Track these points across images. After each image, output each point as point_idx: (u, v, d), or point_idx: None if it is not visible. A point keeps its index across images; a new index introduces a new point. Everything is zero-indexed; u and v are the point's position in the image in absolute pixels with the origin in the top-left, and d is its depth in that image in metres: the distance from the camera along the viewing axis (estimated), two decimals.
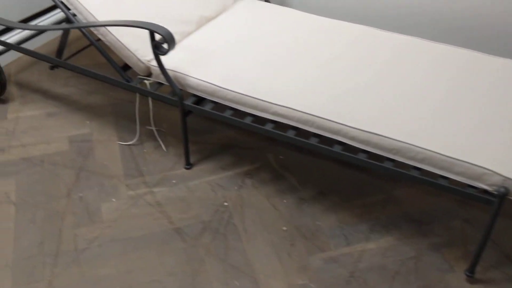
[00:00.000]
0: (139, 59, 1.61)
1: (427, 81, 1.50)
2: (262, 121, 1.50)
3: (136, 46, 1.61)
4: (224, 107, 1.56)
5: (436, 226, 1.54)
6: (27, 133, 1.85)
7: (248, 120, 1.50)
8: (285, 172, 1.72)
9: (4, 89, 1.93)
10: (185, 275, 1.38)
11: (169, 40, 1.43)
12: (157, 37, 1.49)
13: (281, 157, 1.78)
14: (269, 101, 1.44)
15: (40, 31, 2.11)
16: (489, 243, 1.48)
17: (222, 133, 1.89)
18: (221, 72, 1.55)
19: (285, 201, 1.61)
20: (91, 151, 1.79)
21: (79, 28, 1.60)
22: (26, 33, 2.24)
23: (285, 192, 1.64)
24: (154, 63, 1.61)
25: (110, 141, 1.83)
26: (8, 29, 2.01)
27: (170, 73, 1.57)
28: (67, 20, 1.95)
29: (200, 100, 1.60)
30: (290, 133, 1.44)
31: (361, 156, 1.35)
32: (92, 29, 1.61)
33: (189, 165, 1.73)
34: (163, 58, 1.58)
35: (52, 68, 2.10)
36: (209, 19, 1.86)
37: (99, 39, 1.75)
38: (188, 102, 1.57)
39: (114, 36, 1.59)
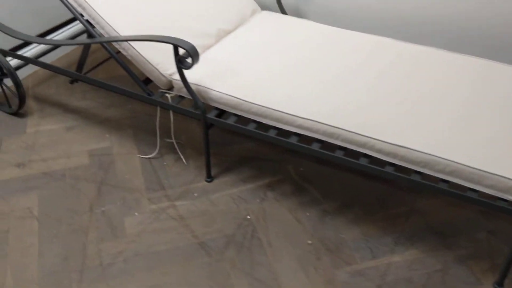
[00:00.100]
0: (161, 73, 1.62)
1: (448, 91, 1.50)
2: (285, 133, 1.50)
3: (158, 60, 1.61)
4: (246, 120, 1.56)
5: (460, 238, 1.53)
6: (47, 147, 1.86)
7: (272, 133, 1.50)
8: (306, 184, 1.71)
9: (23, 103, 1.94)
10: None
11: (193, 54, 1.43)
12: (181, 51, 1.49)
13: (301, 169, 1.78)
14: (294, 114, 1.44)
15: (62, 46, 2.12)
16: None
17: (241, 145, 1.88)
18: (244, 85, 1.55)
19: (308, 214, 1.61)
20: (112, 164, 1.79)
21: (101, 42, 1.61)
22: (44, 47, 2.26)
23: (308, 205, 1.64)
24: (176, 76, 1.61)
25: (130, 154, 1.83)
26: (26, 43, 2.02)
27: (193, 87, 1.57)
28: (88, 34, 1.96)
29: (221, 113, 1.60)
30: (315, 146, 1.44)
31: (389, 169, 1.35)
32: (114, 43, 1.62)
33: (210, 178, 1.72)
34: (185, 72, 1.58)
35: (72, 82, 2.10)
36: (228, 32, 1.86)
37: (118, 52, 1.76)
38: (211, 115, 1.57)
39: (136, 51, 1.59)
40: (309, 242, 1.51)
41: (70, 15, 2.36)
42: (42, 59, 1.98)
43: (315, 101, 1.47)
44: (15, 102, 2.06)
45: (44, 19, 2.27)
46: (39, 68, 2.29)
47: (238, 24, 1.92)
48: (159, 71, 1.61)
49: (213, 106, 1.61)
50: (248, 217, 1.59)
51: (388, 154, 1.33)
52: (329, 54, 1.71)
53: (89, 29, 1.63)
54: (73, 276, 1.40)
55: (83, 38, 2.45)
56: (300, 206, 1.63)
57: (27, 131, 1.93)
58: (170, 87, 1.67)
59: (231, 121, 1.55)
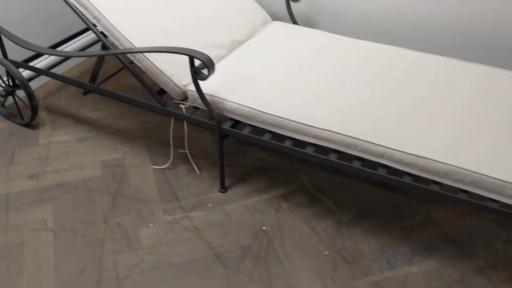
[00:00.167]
0: (175, 84, 1.62)
1: (466, 101, 1.50)
2: (301, 144, 1.50)
3: (173, 71, 1.62)
4: (261, 130, 1.56)
5: (478, 248, 1.52)
6: (60, 159, 1.85)
7: (288, 144, 1.49)
8: (320, 195, 1.71)
9: (36, 114, 1.94)
10: None
11: (209, 65, 1.44)
12: (196, 62, 1.49)
13: (315, 179, 1.77)
14: (310, 124, 1.44)
15: (75, 57, 2.12)
16: None
17: (253, 155, 1.88)
18: (259, 96, 1.55)
19: (323, 224, 1.60)
20: (125, 175, 1.78)
21: (117, 54, 1.61)
22: (55, 58, 2.26)
23: (323, 215, 1.63)
24: (190, 87, 1.62)
25: (143, 165, 1.83)
26: (37, 54, 2.03)
27: (208, 98, 1.57)
28: (102, 46, 1.97)
29: (235, 124, 1.60)
30: (332, 157, 1.43)
31: (407, 180, 1.34)
32: (129, 55, 1.62)
33: (224, 188, 1.72)
34: (200, 83, 1.58)
35: (85, 93, 2.11)
36: (240, 43, 1.87)
37: (131, 63, 1.76)
38: (226, 126, 1.57)
39: (151, 62, 1.60)
40: (326, 253, 1.51)
41: (79, 27, 2.38)
42: (53, 70, 1.98)
43: (331, 112, 1.47)
44: (26, 113, 2.06)
45: (54, 31, 2.28)
46: (50, 79, 2.29)
47: (250, 35, 1.92)
48: (173, 82, 1.62)
49: (227, 117, 1.61)
50: (264, 228, 1.59)
51: (407, 164, 1.33)
52: (343, 64, 1.71)
53: (104, 41, 1.63)
54: None
55: (94, 49, 2.46)
56: (315, 217, 1.63)
57: (39, 142, 1.93)
58: (184, 98, 1.67)
59: (246, 131, 1.55)
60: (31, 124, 2.02)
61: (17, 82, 1.97)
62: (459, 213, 1.64)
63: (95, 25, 1.64)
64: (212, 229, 1.58)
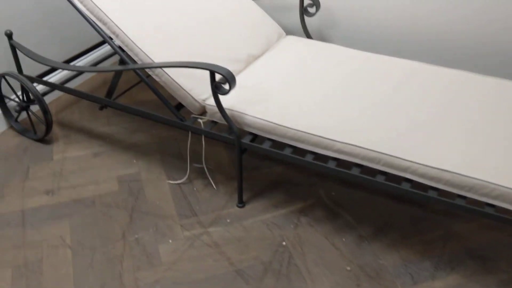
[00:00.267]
0: (194, 99, 1.61)
1: (488, 114, 1.50)
2: (322, 158, 1.49)
3: (191, 85, 1.61)
4: (280, 144, 1.55)
5: (501, 262, 1.51)
6: (75, 174, 1.84)
7: (309, 158, 1.49)
8: (339, 209, 1.70)
9: (50, 129, 1.93)
10: None
11: (231, 79, 1.43)
12: (217, 77, 1.49)
13: (332, 193, 1.76)
14: (332, 138, 1.43)
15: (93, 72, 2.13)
16: None
17: (269, 169, 1.87)
18: (278, 110, 1.55)
19: (344, 239, 1.59)
20: (142, 190, 1.77)
21: (135, 69, 1.61)
22: (68, 72, 2.26)
23: (343, 230, 1.62)
24: (209, 102, 1.61)
25: (159, 180, 1.82)
26: (52, 69, 2.02)
27: (227, 112, 1.57)
28: (120, 61, 1.97)
29: (254, 138, 1.60)
30: (355, 171, 1.42)
31: (432, 194, 1.33)
32: (147, 70, 1.62)
33: (241, 203, 1.71)
34: (220, 97, 1.58)
35: (101, 108, 2.10)
36: (256, 57, 1.87)
37: (147, 76, 1.76)
38: (245, 140, 1.56)
39: (170, 77, 1.59)
40: (348, 268, 1.49)
41: (88, 42, 2.38)
42: (66, 85, 1.98)
43: (353, 126, 1.47)
44: (40, 128, 2.05)
45: (67, 45, 2.28)
46: (63, 93, 2.29)
47: (265, 49, 1.92)
48: (192, 96, 1.61)
49: (245, 131, 1.60)
50: (284, 243, 1.57)
51: (431, 178, 1.32)
52: (360, 78, 1.71)
53: (122, 56, 1.63)
54: None
55: (106, 64, 2.47)
56: (335, 232, 1.61)
57: (54, 158, 1.92)
58: (203, 112, 1.66)
59: (266, 146, 1.54)
60: (44, 139, 2.01)
61: (31, 97, 1.97)
62: (479, 227, 1.62)
63: (111, 38, 1.64)
64: (232, 245, 1.56)
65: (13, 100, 1.98)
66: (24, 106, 1.95)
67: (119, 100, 2.24)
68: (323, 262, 1.51)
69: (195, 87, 1.62)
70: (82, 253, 1.53)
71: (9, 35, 1.83)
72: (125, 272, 1.47)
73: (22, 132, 2.03)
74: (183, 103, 1.64)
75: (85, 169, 1.87)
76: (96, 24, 1.64)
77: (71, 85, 2.31)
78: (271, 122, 1.51)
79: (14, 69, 2.03)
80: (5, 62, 1.99)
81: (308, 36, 2.05)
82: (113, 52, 2.31)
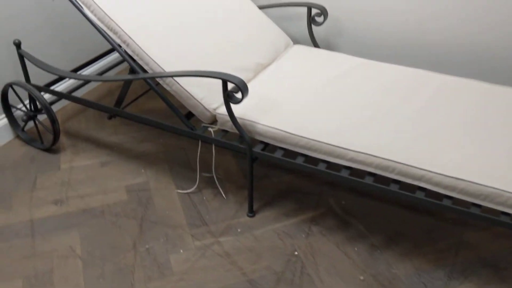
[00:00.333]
0: (205, 108, 1.61)
1: (498, 122, 1.50)
2: (335, 167, 1.49)
3: (202, 94, 1.61)
4: (292, 153, 1.55)
5: None
6: (83, 184, 1.83)
7: (322, 167, 1.48)
8: (350, 218, 1.69)
9: (57, 138, 1.92)
10: None
11: (243, 89, 1.43)
12: (229, 86, 1.49)
13: (343, 202, 1.76)
14: (345, 147, 1.43)
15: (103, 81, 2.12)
16: None
17: (278, 178, 1.87)
18: (289, 119, 1.55)
19: (356, 248, 1.58)
20: (150, 200, 1.76)
21: (146, 78, 1.61)
22: (75, 81, 2.26)
23: (355, 239, 1.61)
24: (220, 111, 1.61)
25: (168, 189, 1.81)
26: (58, 78, 2.02)
27: (239, 121, 1.56)
28: (130, 70, 1.96)
29: (265, 147, 1.59)
30: (368, 180, 1.42)
31: (447, 202, 1.33)
32: (158, 79, 1.61)
33: (252, 212, 1.70)
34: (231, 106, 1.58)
35: (110, 117, 2.10)
36: (264, 66, 1.87)
37: (157, 84, 1.75)
38: (256, 149, 1.56)
39: (181, 86, 1.59)
40: (361, 278, 1.48)
41: (97, 51, 2.38)
42: (72, 94, 1.97)
43: (366, 134, 1.46)
44: (46, 138, 2.04)
45: (73, 54, 2.28)
46: (68, 102, 2.28)
47: (274, 58, 1.93)
48: (203, 105, 1.61)
49: (256, 140, 1.59)
50: (296, 253, 1.56)
51: (446, 187, 1.32)
52: (370, 87, 1.71)
53: (132, 65, 1.63)
54: None
55: (112, 73, 2.46)
56: (347, 241, 1.60)
57: (61, 167, 1.91)
58: (213, 121, 1.66)
59: (278, 154, 1.54)
60: (51, 148, 1.99)
61: (38, 106, 1.96)
62: (491, 235, 1.62)
63: (120, 46, 1.64)
64: (244, 255, 1.55)
65: (20, 109, 1.98)
66: (32, 115, 1.94)
67: (127, 109, 2.23)
68: (336, 271, 1.50)
69: (206, 96, 1.62)
70: (92, 264, 1.51)
71: (18, 45, 1.83)
72: (136, 283, 1.45)
73: (29, 141, 2.01)
74: (193, 112, 1.64)
75: (93, 178, 1.85)
76: (106, 33, 1.63)
77: (77, 94, 2.30)
78: (284, 131, 1.51)
79: (19, 78, 2.03)
80: (11, 72, 1.99)
81: (316, 45, 2.05)
82: (118, 62, 2.31)
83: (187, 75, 1.49)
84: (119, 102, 1.80)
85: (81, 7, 1.63)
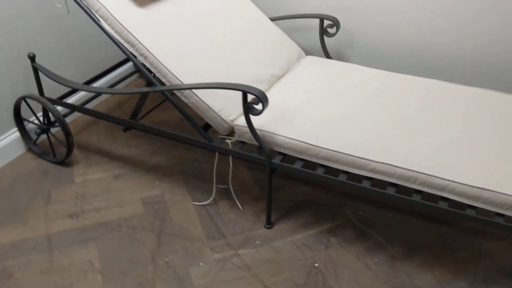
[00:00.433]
0: (223, 119, 1.61)
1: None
2: (356, 177, 1.48)
3: (220, 106, 1.61)
4: (311, 164, 1.55)
5: None
6: (98, 197, 1.81)
7: (342, 178, 1.48)
8: (368, 229, 1.68)
9: (71, 152, 1.90)
10: None
11: (264, 100, 1.43)
12: (249, 97, 1.49)
13: (360, 213, 1.75)
14: (367, 158, 1.43)
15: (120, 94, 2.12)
16: None
17: (294, 189, 1.86)
18: (309, 130, 1.55)
19: (376, 259, 1.57)
20: (167, 212, 1.75)
21: (163, 91, 1.60)
22: (86, 94, 2.25)
23: (374, 250, 1.60)
24: (237, 122, 1.61)
25: (184, 202, 1.80)
26: (72, 91, 2.01)
27: (258, 132, 1.56)
28: (147, 82, 1.96)
29: (283, 158, 1.59)
30: (390, 191, 1.42)
31: (470, 213, 1.33)
32: (176, 91, 1.61)
33: (270, 224, 1.69)
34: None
35: (125, 130, 2.09)
36: (278, 77, 1.87)
37: (172, 94, 1.75)
38: (275, 160, 1.55)
39: (199, 98, 1.59)
40: None
41: (107, 63, 2.38)
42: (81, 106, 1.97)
43: (386, 144, 1.47)
44: (59, 151, 2.03)
45: (84, 66, 2.28)
46: (79, 115, 2.27)
47: (287, 69, 1.93)
48: (221, 117, 1.61)
49: (275, 151, 1.59)
50: (316, 264, 1.55)
51: (470, 197, 1.32)
52: (384, 97, 1.72)
53: (150, 78, 1.62)
54: None
55: (120, 85, 2.46)
56: (366, 252, 1.60)
57: (75, 181, 1.90)
58: (230, 133, 1.66)
59: (297, 166, 1.53)
60: (64, 162, 1.98)
61: (51, 119, 1.95)
62: (510, 244, 1.62)
63: (135, 56, 1.64)
64: (264, 267, 1.54)
65: (32, 122, 1.97)
66: (45, 128, 1.93)
67: (140, 122, 2.22)
68: (358, 283, 1.49)
69: (224, 107, 1.62)
70: (112, 278, 1.50)
71: (32, 58, 1.82)
72: None
73: (41, 154, 2.00)
74: (211, 124, 1.64)
75: (108, 191, 1.84)
76: (123, 45, 1.63)
77: (87, 106, 2.29)
78: (304, 142, 1.51)
79: (29, 91, 2.02)
80: (22, 85, 1.98)
81: (328, 56, 2.06)
82: (127, 74, 2.30)
83: (207, 87, 1.49)
84: (135, 114, 1.80)
85: (99, 20, 1.63)
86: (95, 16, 1.63)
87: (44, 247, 1.60)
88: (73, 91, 2.01)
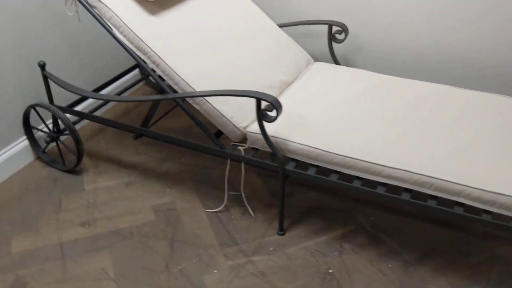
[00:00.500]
0: (235, 126, 1.61)
1: None
2: (370, 183, 1.48)
3: (232, 113, 1.61)
4: (325, 170, 1.55)
5: None
6: (109, 205, 1.81)
7: (357, 184, 1.48)
8: (380, 235, 1.69)
9: (81, 159, 1.90)
10: None
11: (278, 107, 1.44)
12: (263, 104, 1.49)
13: (372, 218, 1.75)
14: (382, 164, 1.43)
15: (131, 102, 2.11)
16: None
17: (304, 196, 1.86)
18: (321, 136, 1.55)
19: (390, 265, 1.57)
20: (179, 220, 1.74)
21: (175, 98, 1.61)
22: (94, 101, 2.25)
23: (387, 256, 1.60)
24: (250, 129, 1.61)
25: (195, 209, 1.79)
26: (81, 99, 2.01)
27: (271, 139, 1.56)
28: (160, 90, 1.96)
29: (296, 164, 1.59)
30: (405, 196, 1.42)
31: (486, 217, 1.33)
32: (188, 99, 1.62)
33: (282, 230, 1.69)
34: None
35: (136, 137, 2.08)
36: (288, 84, 1.88)
37: (183, 100, 1.75)
38: (289, 167, 1.55)
39: (211, 105, 1.59)
40: None
41: (114, 72, 2.39)
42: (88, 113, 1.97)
43: (401, 150, 1.47)
44: (67, 159, 2.03)
45: (91, 74, 2.28)
46: (87, 123, 2.27)
47: (296, 76, 1.94)
48: (233, 124, 1.61)
49: (287, 157, 1.59)
50: (330, 270, 1.55)
51: (486, 202, 1.32)
52: (396, 102, 1.73)
53: (162, 85, 1.63)
54: None
55: (127, 93, 2.46)
56: (380, 258, 1.60)
57: (85, 189, 1.89)
58: (242, 140, 1.66)
59: (311, 172, 1.54)
60: (74, 169, 1.98)
61: (61, 127, 1.95)
62: None
63: (144, 61, 1.64)
64: (278, 274, 1.54)
65: (42, 130, 1.96)
66: (55, 136, 1.93)
67: (150, 129, 2.22)
68: None
69: (236, 114, 1.62)
70: (126, 286, 1.49)
71: (42, 66, 1.82)
72: None
73: (50, 163, 2.00)
74: (223, 131, 1.64)
75: (119, 199, 1.84)
76: (135, 52, 1.64)
77: (95, 114, 2.29)
78: (318, 149, 1.51)
79: (38, 99, 2.02)
80: (31, 93, 1.98)
81: (336, 62, 2.07)
82: (134, 82, 2.30)
83: (220, 94, 1.49)
84: (146, 121, 1.80)
85: (111, 28, 1.63)
86: (108, 25, 1.63)
87: (57, 256, 1.59)
88: (82, 99, 2.00)
